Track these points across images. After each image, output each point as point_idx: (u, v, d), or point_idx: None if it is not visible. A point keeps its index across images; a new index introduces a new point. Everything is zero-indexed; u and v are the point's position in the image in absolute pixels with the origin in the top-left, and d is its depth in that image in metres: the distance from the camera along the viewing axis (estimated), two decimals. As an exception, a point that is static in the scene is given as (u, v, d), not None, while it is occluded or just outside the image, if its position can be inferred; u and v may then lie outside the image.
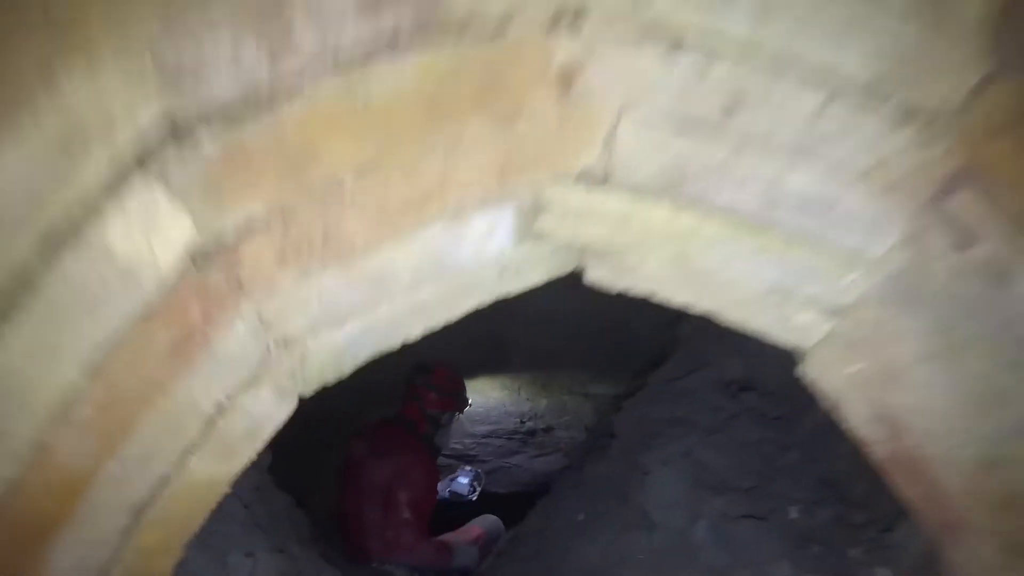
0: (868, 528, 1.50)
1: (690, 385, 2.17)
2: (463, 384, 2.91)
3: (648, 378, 2.36)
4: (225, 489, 0.85)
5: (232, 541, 1.43)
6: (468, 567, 2.67)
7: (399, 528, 2.51)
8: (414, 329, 0.79)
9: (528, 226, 0.69)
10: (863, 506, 1.59)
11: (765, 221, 0.70)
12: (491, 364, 3.66)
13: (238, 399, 0.76)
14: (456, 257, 0.70)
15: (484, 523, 3.00)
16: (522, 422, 4.55)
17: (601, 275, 0.78)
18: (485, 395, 4.60)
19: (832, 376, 0.82)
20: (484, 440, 4.47)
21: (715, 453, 1.86)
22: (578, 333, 3.17)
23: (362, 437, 2.73)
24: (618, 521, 1.92)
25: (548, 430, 4.47)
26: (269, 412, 0.81)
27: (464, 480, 2.84)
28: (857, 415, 0.83)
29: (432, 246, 0.68)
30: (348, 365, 0.81)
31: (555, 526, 2.37)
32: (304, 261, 0.66)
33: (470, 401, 2.95)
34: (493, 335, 3.18)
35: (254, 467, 1.76)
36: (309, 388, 0.82)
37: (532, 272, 0.75)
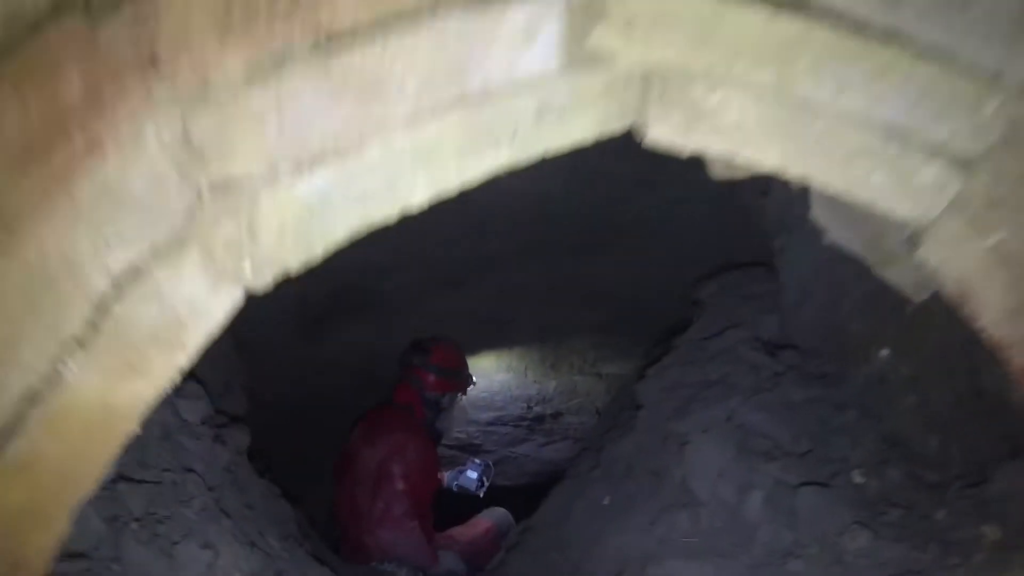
0: (947, 486, 1.37)
1: (723, 344, 2.04)
2: (464, 361, 2.78)
3: (674, 342, 2.22)
4: (131, 427, 0.61)
5: (185, 528, 1.25)
6: (455, 573, 2.56)
7: (390, 499, 2.36)
8: (416, 189, 0.59)
9: (580, 39, 0.54)
10: (937, 463, 1.47)
11: (887, 27, 0.56)
12: (495, 338, 3.52)
13: (148, 273, 0.55)
14: (481, 70, 0.54)
15: (493, 516, 2.89)
16: (529, 407, 4.44)
17: (667, 130, 0.64)
18: (490, 378, 4.48)
19: (963, 255, 0.69)
20: (489, 428, 4.35)
21: (761, 416, 1.74)
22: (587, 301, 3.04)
23: (357, 426, 2.61)
24: (654, 501, 1.79)
25: (557, 415, 4.36)
26: (197, 301, 0.58)
27: (473, 474, 2.70)
28: (995, 306, 0.70)
29: (449, 43, 0.52)
30: (319, 239, 0.60)
31: (576, 514, 2.24)
32: (260, 33, 0.48)
33: (474, 379, 2.82)
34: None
35: (226, 446, 1.58)
36: (261, 274, 0.60)
37: (579, 119, 0.60)
